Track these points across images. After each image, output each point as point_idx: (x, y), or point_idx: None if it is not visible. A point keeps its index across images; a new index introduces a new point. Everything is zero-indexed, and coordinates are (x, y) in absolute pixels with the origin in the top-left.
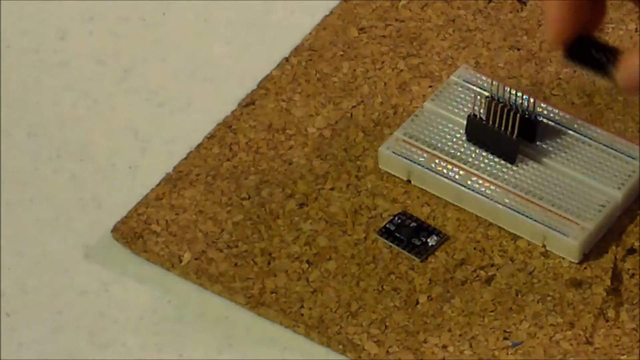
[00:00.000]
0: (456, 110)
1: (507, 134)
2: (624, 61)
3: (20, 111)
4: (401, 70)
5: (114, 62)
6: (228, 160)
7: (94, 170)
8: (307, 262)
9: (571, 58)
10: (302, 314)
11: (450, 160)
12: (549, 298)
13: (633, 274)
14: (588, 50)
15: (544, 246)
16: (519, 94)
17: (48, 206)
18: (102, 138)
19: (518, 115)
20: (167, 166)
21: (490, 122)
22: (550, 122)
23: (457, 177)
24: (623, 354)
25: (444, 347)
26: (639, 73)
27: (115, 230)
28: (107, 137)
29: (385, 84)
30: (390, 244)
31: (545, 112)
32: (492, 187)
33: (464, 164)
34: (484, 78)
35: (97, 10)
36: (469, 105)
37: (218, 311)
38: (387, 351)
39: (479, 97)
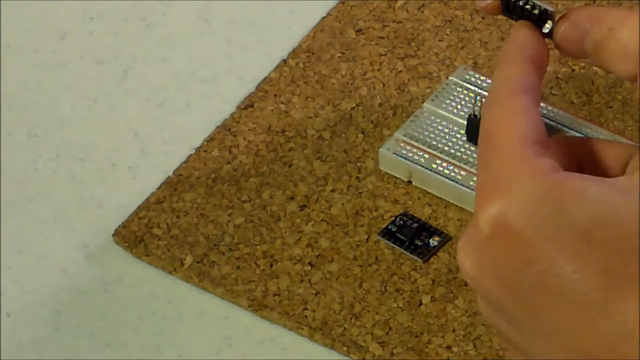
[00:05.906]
0: (455, 111)
1: None
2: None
3: (20, 111)
4: (399, 71)
5: (114, 62)
6: (228, 163)
7: (94, 170)
8: (310, 264)
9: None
10: (306, 316)
11: (450, 160)
12: None
13: None
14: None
15: None
16: None
17: (48, 206)
18: (102, 138)
19: None
20: (167, 166)
21: None
22: (549, 122)
23: (458, 177)
24: None
25: (448, 347)
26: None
27: (116, 234)
28: (107, 137)
29: (383, 85)
30: (392, 245)
31: (544, 111)
32: None
33: (465, 164)
34: (482, 78)
35: (97, 10)
36: (469, 106)
37: (218, 311)
38: (392, 352)
39: (478, 97)
